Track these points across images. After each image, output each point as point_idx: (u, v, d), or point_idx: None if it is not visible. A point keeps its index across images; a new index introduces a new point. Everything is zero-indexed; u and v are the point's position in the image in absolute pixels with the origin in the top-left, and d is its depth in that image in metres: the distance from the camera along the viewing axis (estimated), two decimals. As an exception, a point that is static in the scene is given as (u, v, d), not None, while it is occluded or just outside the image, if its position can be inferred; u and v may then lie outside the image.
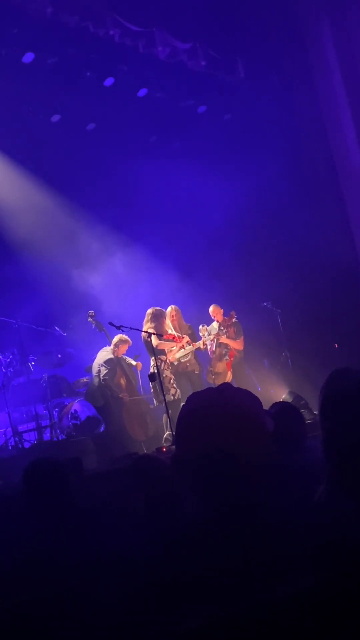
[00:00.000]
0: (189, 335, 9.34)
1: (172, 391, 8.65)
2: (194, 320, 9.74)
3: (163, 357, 8.82)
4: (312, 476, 2.06)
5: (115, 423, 8.85)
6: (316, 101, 11.30)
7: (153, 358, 8.59)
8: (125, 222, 10.94)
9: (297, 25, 11.00)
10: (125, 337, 9.01)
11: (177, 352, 9.15)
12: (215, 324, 9.56)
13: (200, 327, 9.55)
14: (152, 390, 8.84)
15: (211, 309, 9.61)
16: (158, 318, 8.93)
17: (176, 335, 9.08)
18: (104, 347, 9.20)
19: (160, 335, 8.75)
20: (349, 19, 10.71)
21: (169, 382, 8.71)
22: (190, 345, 9.20)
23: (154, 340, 8.60)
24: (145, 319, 8.97)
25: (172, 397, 8.52)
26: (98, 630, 1.49)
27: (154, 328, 8.77)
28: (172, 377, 8.85)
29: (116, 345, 9.05)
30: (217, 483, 1.55)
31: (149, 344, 8.65)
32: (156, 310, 9.02)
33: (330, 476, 1.77)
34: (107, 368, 8.92)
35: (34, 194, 10.56)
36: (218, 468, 1.54)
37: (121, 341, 9.05)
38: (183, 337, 9.11)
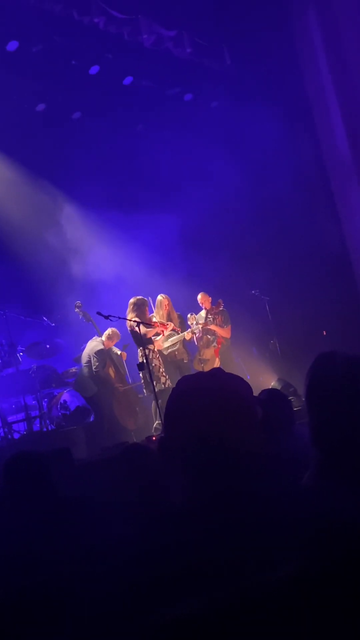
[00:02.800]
0: (178, 325, 9.36)
1: (162, 380, 8.63)
2: (181, 308, 9.74)
3: (151, 346, 8.79)
4: (301, 462, 2.06)
5: (105, 412, 8.86)
6: (303, 87, 11.28)
7: (141, 348, 8.57)
8: (111, 211, 10.88)
9: (283, 11, 10.95)
10: (118, 332, 9.04)
11: (165, 342, 9.16)
12: (203, 312, 9.58)
13: (189, 315, 9.55)
14: (142, 380, 8.82)
15: (199, 296, 9.63)
16: (140, 307, 8.85)
17: (160, 323, 9.04)
18: (94, 337, 9.19)
19: (147, 325, 8.72)
20: (335, 6, 10.67)
21: (158, 371, 8.69)
22: (176, 333, 9.21)
23: (142, 329, 8.56)
24: (129, 308, 8.85)
25: (162, 386, 8.51)
26: (87, 620, 1.49)
27: (138, 317, 8.70)
28: (162, 365, 8.83)
29: (109, 337, 9.05)
30: (204, 467, 1.55)
31: (135, 333, 8.62)
32: (138, 299, 8.94)
33: (318, 461, 1.77)
34: (97, 358, 8.92)
35: (19, 183, 10.49)
36: (206, 452, 1.54)
37: (115, 334, 9.09)
38: (168, 325, 9.09)
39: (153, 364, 8.53)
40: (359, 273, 11.05)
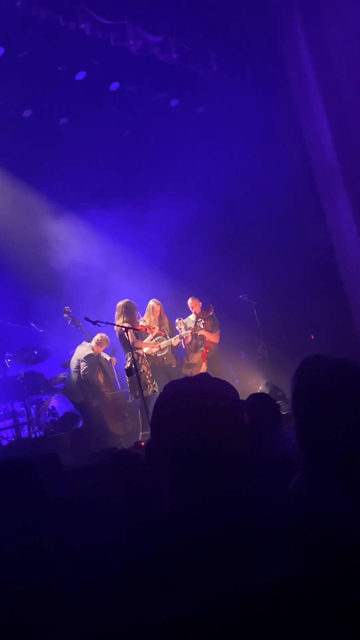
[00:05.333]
0: (168, 330, 9.37)
1: (149, 386, 8.58)
2: (169, 313, 9.74)
3: (140, 351, 8.75)
4: (288, 466, 2.07)
5: (94, 418, 8.84)
6: (290, 93, 11.32)
7: (129, 353, 8.55)
8: (98, 216, 10.90)
9: (269, 16, 11.00)
10: (108, 338, 9.02)
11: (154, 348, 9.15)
12: (192, 316, 9.59)
13: (177, 320, 9.55)
14: (128, 385, 8.79)
15: (190, 301, 9.65)
16: (130, 311, 8.79)
17: (147, 327, 9.02)
18: (83, 343, 9.17)
19: (134, 329, 8.68)
20: (320, 10, 10.73)
21: (146, 376, 8.64)
22: (166, 338, 9.21)
23: (130, 336, 8.52)
24: (117, 312, 8.79)
25: (149, 393, 8.46)
26: (77, 622, 1.50)
27: (127, 322, 8.67)
28: (149, 371, 8.79)
29: (99, 343, 9.03)
30: (191, 471, 1.55)
31: (123, 338, 8.59)
32: (127, 302, 8.89)
33: (305, 465, 1.78)
34: (87, 364, 8.90)
35: (6, 189, 10.48)
36: (193, 457, 1.55)
37: (104, 340, 9.06)
38: (154, 329, 9.07)
39: (141, 370, 8.50)
40: (346, 277, 11.08)
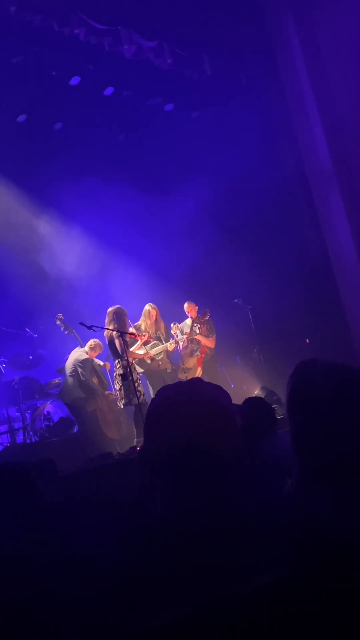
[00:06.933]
0: (164, 335, 9.35)
1: (138, 394, 8.28)
2: (164, 317, 9.73)
3: (130, 359, 8.56)
4: (283, 470, 2.07)
5: (90, 423, 8.82)
6: (284, 96, 11.36)
7: (118, 360, 8.44)
8: (94, 221, 10.90)
9: (262, 20, 11.04)
10: (101, 343, 8.99)
11: (150, 350, 9.13)
12: (188, 321, 9.57)
13: (172, 325, 9.54)
14: (117, 392, 8.52)
15: (186, 305, 9.63)
16: (120, 317, 8.56)
17: (137, 333, 8.94)
18: (76, 348, 9.16)
19: (125, 334, 8.59)
20: (313, 13, 10.77)
21: (135, 384, 8.42)
22: (161, 342, 9.19)
23: (119, 343, 8.40)
24: (108, 318, 8.54)
25: (141, 400, 8.30)
26: (71, 626, 1.49)
27: (118, 328, 8.45)
28: (139, 379, 8.63)
29: (93, 348, 9.02)
30: (185, 475, 1.55)
31: (112, 345, 8.49)
32: (118, 308, 8.65)
33: (300, 469, 1.78)
34: (83, 368, 8.89)
35: (1, 194, 10.47)
36: (186, 460, 1.55)
37: (98, 345, 9.05)
38: (143, 335, 8.95)
39: (130, 377, 8.35)
40: (340, 281, 11.11)
